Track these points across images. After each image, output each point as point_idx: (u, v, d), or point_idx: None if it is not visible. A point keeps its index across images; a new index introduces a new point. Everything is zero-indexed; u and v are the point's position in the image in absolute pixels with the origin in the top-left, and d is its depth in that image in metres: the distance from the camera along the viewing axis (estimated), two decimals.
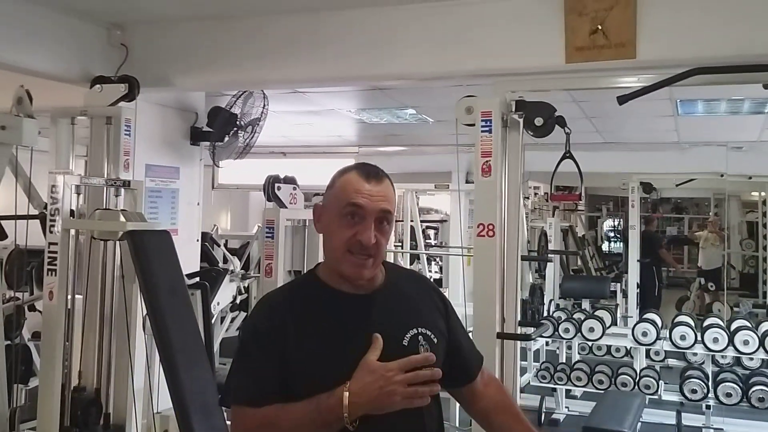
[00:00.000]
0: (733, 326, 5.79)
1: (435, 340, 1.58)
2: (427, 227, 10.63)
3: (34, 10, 3.46)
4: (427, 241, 10.09)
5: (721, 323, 5.91)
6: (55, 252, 3.31)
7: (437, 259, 10.31)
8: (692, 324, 5.94)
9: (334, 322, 1.53)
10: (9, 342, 3.78)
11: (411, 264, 8.97)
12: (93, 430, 3.37)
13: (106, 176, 3.53)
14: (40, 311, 4.46)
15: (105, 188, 3.50)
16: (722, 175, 7.24)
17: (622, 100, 2.99)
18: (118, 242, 3.35)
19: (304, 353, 1.49)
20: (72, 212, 3.41)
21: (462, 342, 1.71)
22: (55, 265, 3.31)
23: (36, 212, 3.70)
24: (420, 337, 1.55)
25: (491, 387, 1.76)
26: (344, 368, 1.45)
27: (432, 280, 8.08)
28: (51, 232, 3.33)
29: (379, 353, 1.45)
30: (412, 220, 8.23)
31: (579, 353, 6.88)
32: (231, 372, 1.56)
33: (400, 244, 7.82)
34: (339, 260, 1.53)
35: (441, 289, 1.85)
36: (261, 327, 1.55)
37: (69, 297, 3.37)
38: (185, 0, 3.50)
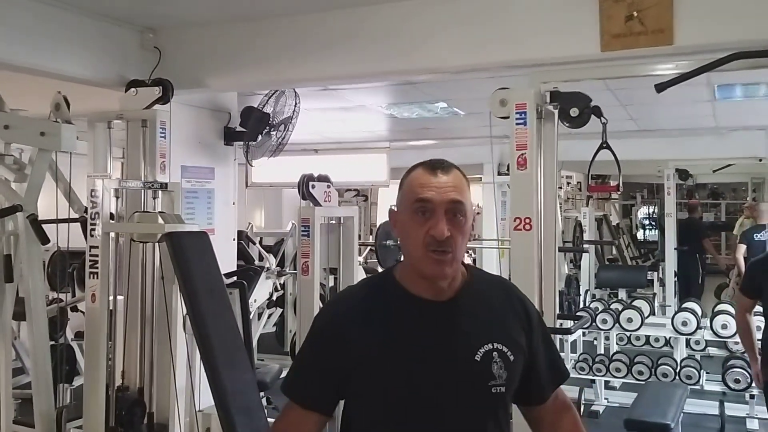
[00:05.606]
0: None
1: (511, 358, 1.50)
2: None
3: (67, 17, 3.50)
4: None
5: (762, 310, 5.77)
6: (97, 255, 3.36)
7: (470, 252, 10.25)
8: (733, 312, 5.82)
9: (406, 331, 1.48)
10: (53, 342, 3.85)
11: None
12: (138, 429, 3.42)
13: (143, 178, 3.58)
14: (82, 311, 4.55)
15: (143, 191, 3.55)
16: (761, 160, 7.12)
17: (660, 88, 2.92)
18: (157, 244, 3.39)
19: (369, 361, 1.46)
20: (111, 215, 3.46)
21: (540, 361, 1.59)
22: (97, 268, 3.36)
23: (76, 216, 3.76)
24: (495, 353, 1.48)
25: (565, 418, 1.64)
26: (407, 383, 1.45)
27: None
28: (92, 235, 3.38)
29: None
30: None
31: (617, 344, 6.80)
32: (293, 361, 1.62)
33: None
34: (420, 260, 1.46)
35: None
36: (324, 329, 1.56)
37: (111, 299, 3.42)
38: (217, 2, 3.51)
